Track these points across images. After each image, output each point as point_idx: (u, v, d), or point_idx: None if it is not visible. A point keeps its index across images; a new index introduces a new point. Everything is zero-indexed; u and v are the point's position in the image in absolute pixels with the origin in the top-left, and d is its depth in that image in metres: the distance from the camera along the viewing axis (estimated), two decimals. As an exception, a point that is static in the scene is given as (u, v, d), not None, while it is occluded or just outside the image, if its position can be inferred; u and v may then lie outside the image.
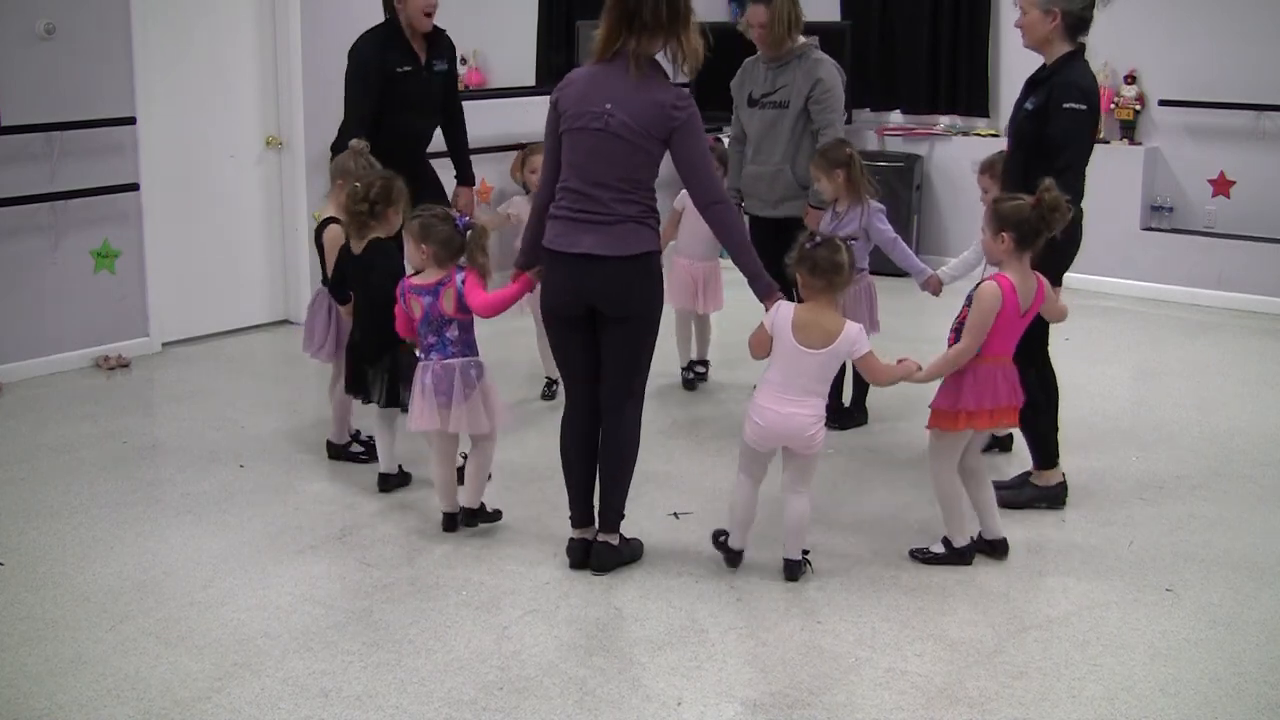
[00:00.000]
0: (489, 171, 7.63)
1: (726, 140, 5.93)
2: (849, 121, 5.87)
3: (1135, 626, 3.86)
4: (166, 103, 6.60)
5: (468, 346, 4.32)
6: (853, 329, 3.95)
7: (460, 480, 4.46)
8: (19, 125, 6.01)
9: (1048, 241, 4.10)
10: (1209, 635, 3.81)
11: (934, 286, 5.26)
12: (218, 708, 3.37)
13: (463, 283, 4.24)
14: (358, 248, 4.60)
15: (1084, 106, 4.34)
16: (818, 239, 3.94)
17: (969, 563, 4.21)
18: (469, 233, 4.26)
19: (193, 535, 4.45)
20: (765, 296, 4.05)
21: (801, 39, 5.57)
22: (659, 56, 3.97)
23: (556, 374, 5.95)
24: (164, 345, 6.73)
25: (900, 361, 4.07)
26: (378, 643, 3.71)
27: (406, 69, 5.47)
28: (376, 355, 4.61)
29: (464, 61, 7.88)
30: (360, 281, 4.64)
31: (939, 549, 4.25)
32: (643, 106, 3.85)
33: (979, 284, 4.11)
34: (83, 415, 5.71)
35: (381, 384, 4.62)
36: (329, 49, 6.83)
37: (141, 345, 6.65)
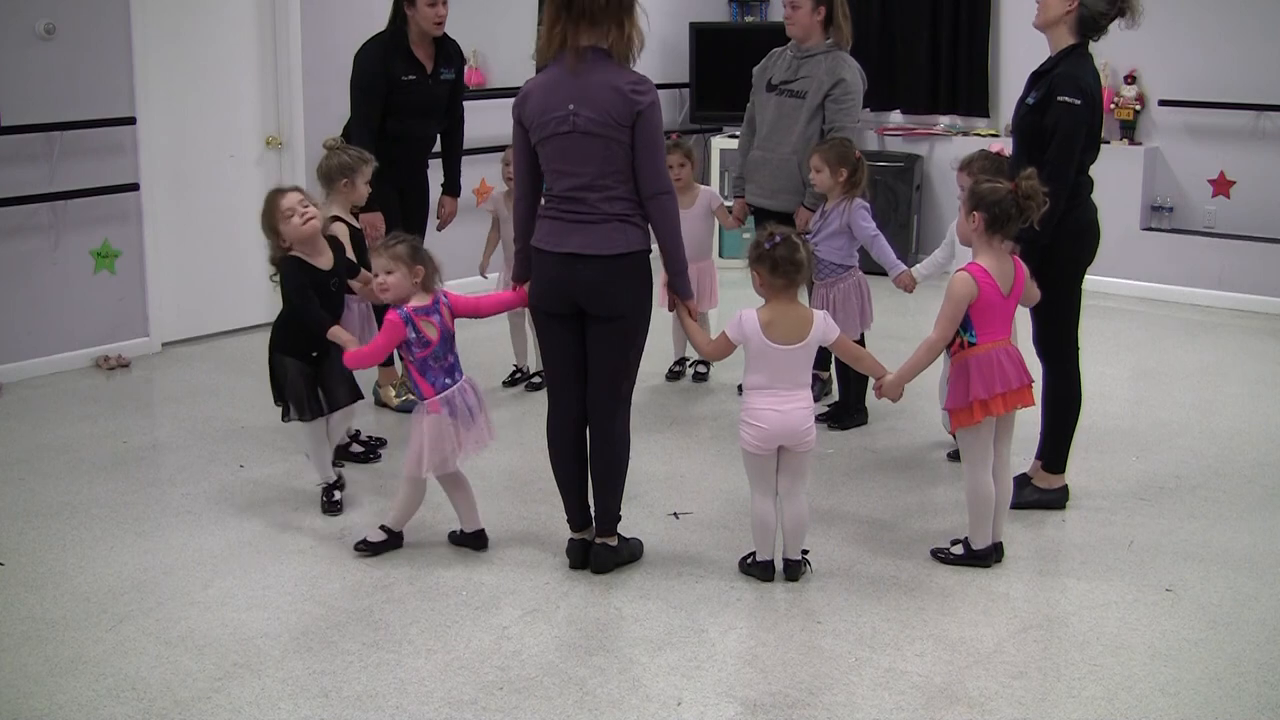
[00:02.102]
0: (490, 171, 7.63)
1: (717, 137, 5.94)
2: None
3: (1135, 626, 3.86)
4: (166, 103, 6.61)
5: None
6: (820, 316, 3.99)
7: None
8: (19, 125, 6.02)
9: (1056, 240, 4.09)
10: (1209, 635, 3.81)
11: (905, 282, 5.34)
12: (218, 708, 3.37)
13: (447, 297, 4.20)
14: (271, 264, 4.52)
15: (1078, 101, 4.32)
16: (776, 238, 3.93)
17: (988, 566, 4.20)
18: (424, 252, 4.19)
19: (193, 535, 4.45)
20: (684, 297, 4.12)
21: (830, 41, 5.55)
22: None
23: (523, 363, 6.20)
24: (164, 345, 6.74)
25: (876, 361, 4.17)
26: (378, 643, 3.71)
27: (411, 78, 5.47)
28: (269, 361, 4.59)
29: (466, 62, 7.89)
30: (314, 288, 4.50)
31: (959, 550, 4.24)
32: (604, 97, 3.83)
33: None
34: (83, 415, 5.71)
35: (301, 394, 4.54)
36: (329, 49, 6.85)
37: (141, 345, 6.65)
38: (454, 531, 4.40)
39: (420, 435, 4.13)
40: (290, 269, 4.42)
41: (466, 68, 7.92)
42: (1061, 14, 4.41)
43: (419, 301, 4.13)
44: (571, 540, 4.22)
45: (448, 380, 4.15)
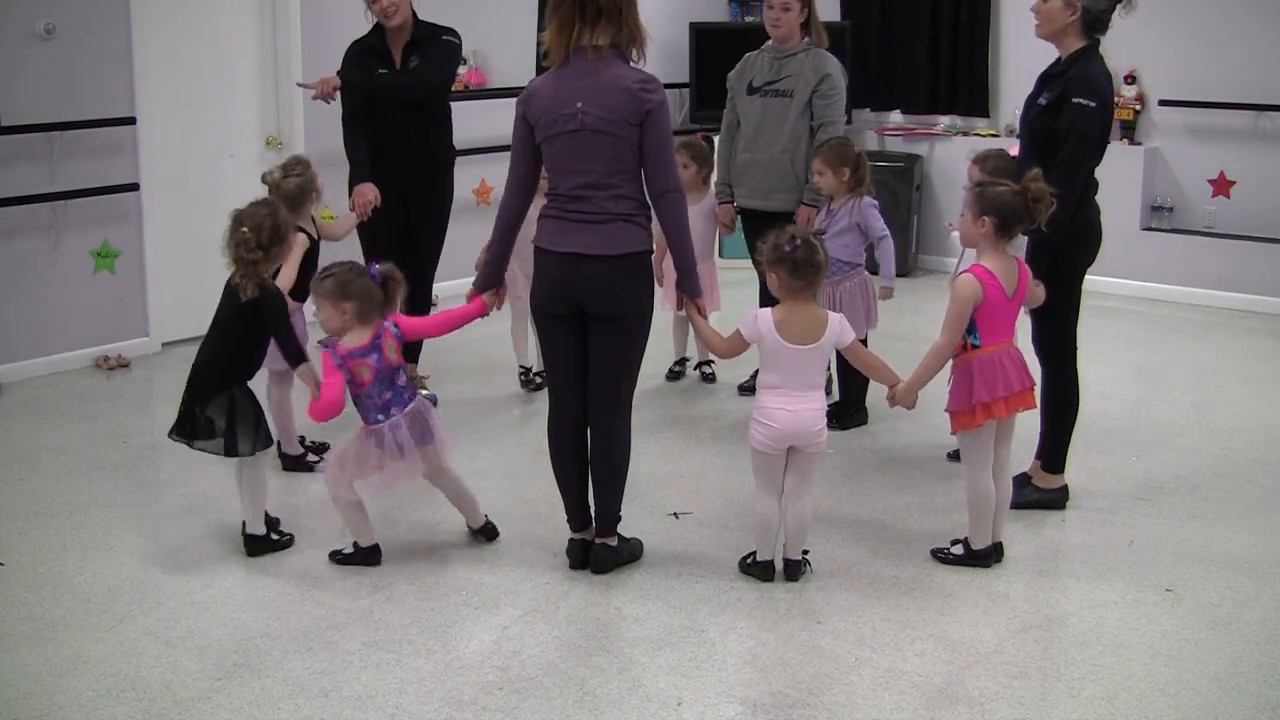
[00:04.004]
0: (490, 171, 7.63)
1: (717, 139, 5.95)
2: (849, 122, 5.89)
3: (1135, 626, 3.86)
4: (166, 103, 6.61)
5: (411, 389, 4.12)
6: (835, 319, 3.98)
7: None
8: (19, 125, 6.01)
9: (1061, 242, 4.10)
10: (1209, 635, 3.81)
11: (885, 296, 5.46)
12: (218, 708, 3.37)
13: (396, 326, 4.07)
14: (251, 291, 4.11)
15: (1092, 103, 4.32)
16: (797, 240, 3.93)
17: (988, 566, 4.20)
18: (387, 283, 4.05)
19: (193, 535, 4.45)
20: (693, 295, 4.10)
21: (807, 40, 5.58)
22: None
23: (530, 362, 6.08)
24: (164, 345, 6.73)
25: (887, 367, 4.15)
26: (378, 643, 3.71)
27: (383, 71, 5.51)
28: (214, 393, 4.15)
29: (465, 61, 7.89)
30: (247, 318, 4.16)
31: (959, 550, 4.24)
32: (613, 96, 3.83)
33: (956, 276, 4.11)
34: (83, 415, 5.71)
35: (219, 428, 4.15)
36: (329, 49, 6.83)
37: (141, 345, 6.65)
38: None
39: (345, 451, 4.09)
40: (281, 301, 4.26)
41: (466, 68, 7.96)
42: (1066, 23, 4.40)
43: (353, 342, 4.00)
44: (572, 540, 4.22)
45: (380, 416, 4.05)
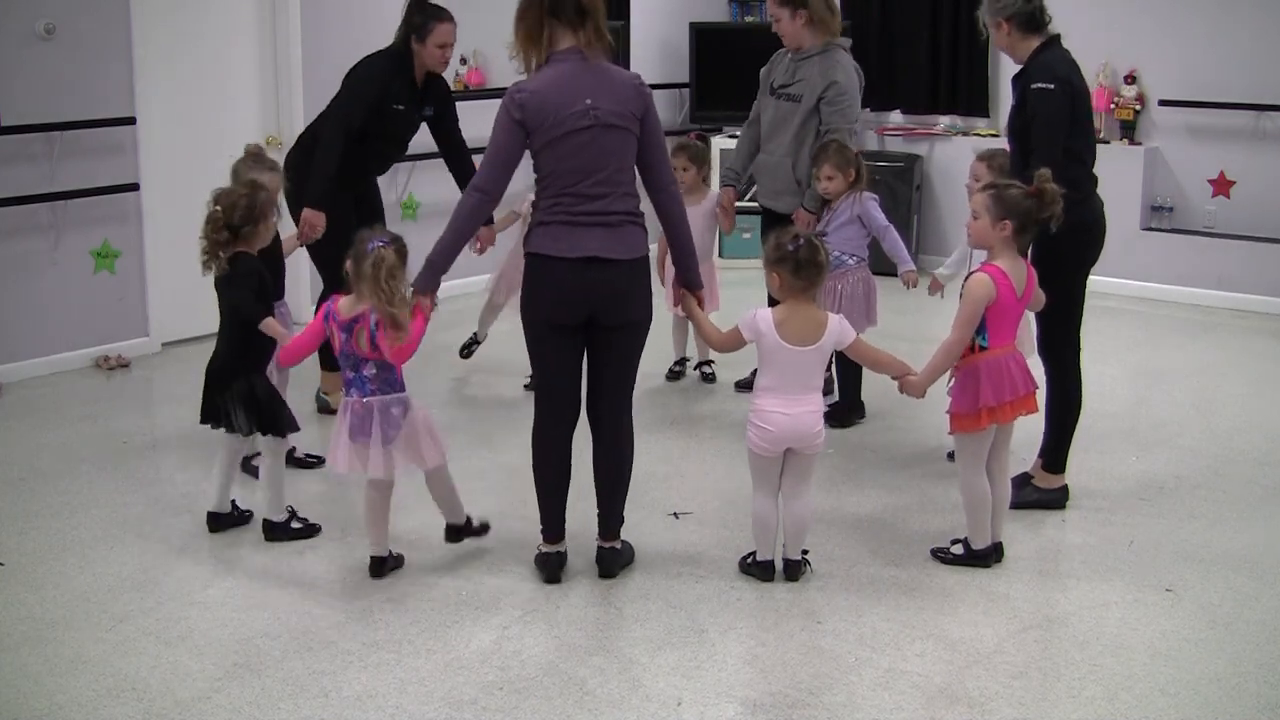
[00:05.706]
0: (489, 171, 7.62)
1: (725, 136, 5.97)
2: (850, 121, 5.90)
3: (1135, 626, 3.86)
4: (166, 103, 6.61)
5: (388, 384, 3.96)
6: (835, 320, 3.98)
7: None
8: (19, 125, 6.02)
9: (1060, 238, 4.12)
10: (1209, 635, 3.81)
11: (911, 281, 5.43)
12: (218, 708, 3.37)
13: (376, 325, 3.88)
14: (219, 269, 4.19)
15: (1050, 86, 4.39)
16: (800, 240, 3.93)
17: (988, 566, 4.20)
18: (368, 260, 3.82)
19: (192, 535, 4.45)
20: (695, 288, 4.15)
21: (826, 40, 5.52)
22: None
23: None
24: (164, 345, 6.73)
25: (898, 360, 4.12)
26: (378, 643, 3.71)
27: (400, 107, 5.37)
28: (230, 380, 4.23)
29: (464, 62, 7.89)
30: (225, 299, 4.26)
31: (959, 550, 4.24)
32: (618, 91, 3.85)
33: (968, 276, 4.11)
34: (83, 415, 5.71)
35: (238, 411, 4.23)
36: (329, 49, 6.85)
37: (141, 345, 6.65)
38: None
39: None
40: (251, 265, 4.20)
41: (468, 68, 7.96)
42: (1007, 40, 4.54)
43: (347, 312, 3.92)
44: (545, 554, 4.13)
45: (342, 390, 4.06)
